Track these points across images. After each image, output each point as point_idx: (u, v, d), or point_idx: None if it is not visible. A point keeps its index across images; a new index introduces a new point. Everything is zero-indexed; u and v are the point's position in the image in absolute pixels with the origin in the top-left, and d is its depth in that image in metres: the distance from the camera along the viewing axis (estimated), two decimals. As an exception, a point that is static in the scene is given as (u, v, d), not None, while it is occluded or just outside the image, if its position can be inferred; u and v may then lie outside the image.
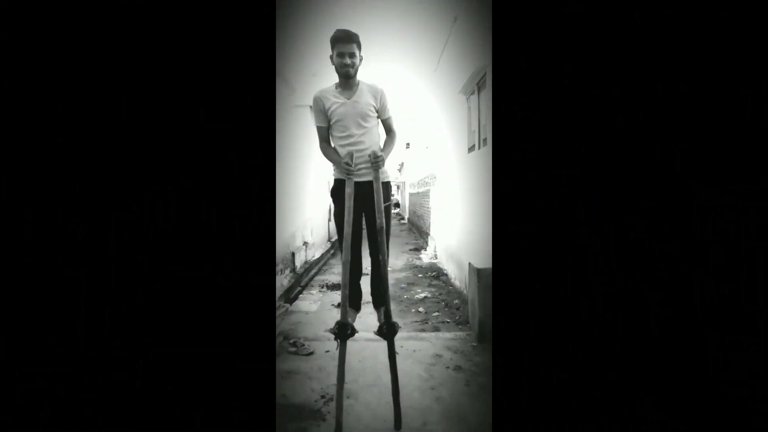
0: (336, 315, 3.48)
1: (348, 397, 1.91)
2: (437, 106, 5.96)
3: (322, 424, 1.75)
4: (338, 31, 1.74)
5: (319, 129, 1.86)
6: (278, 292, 3.78)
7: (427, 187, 7.97)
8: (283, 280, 4.30)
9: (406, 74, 6.32)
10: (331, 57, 1.77)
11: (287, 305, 3.03)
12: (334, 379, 2.13)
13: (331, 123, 1.82)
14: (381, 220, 1.73)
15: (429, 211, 7.55)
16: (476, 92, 3.84)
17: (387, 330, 1.75)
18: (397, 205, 17.73)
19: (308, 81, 5.24)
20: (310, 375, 2.22)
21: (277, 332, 2.65)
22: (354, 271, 1.82)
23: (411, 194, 11.55)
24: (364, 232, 1.92)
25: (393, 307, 2.06)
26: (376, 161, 1.69)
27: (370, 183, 1.75)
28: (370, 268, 1.91)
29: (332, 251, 7.41)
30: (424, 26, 4.77)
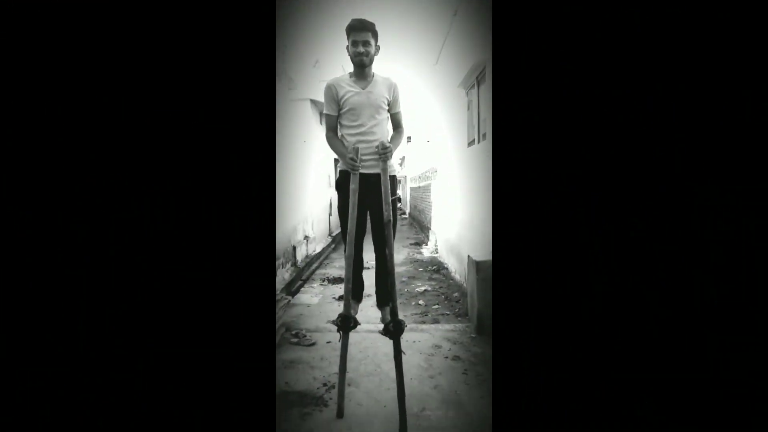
0: (336, 308, 3.53)
1: (349, 385, 1.96)
2: (438, 100, 5.97)
3: (324, 410, 1.80)
4: (353, 20, 1.73)
5: (327, 117, 1.82)
6: (280, 286, 3.83)
7: (428, 182, 7.99)
8: (284, 274, 4.35)
9: (407, 67, 6.33)
10: (347, 47, 1.75)
11: (289, 297, 3.08)
12: (335, 369, 2.19)
13: (341, 112, 1.79)
14: (388, 212, 1.70)
15: (430, 206, 7.58)
16: (476, 86, 3.86)
17: (394, 328, 1.70)
18: (399, 200, 17.75)
19: (308, 75, 5.25)
20: (312, 364, 2.27)
21: (279, 324, 2.71)
22: (356, 265, 1.81)
23: (412, 188, 11.57)
24: (368, 227, 1.92)
25: (393, 298, 2.09)
26: (384, 152, 1.66)
27: (375, 175, 1.73)
28: (372, 262, 1.94)
29: (333, 245, 7.46)
30: (425, 20, 4.78)
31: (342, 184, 1.83)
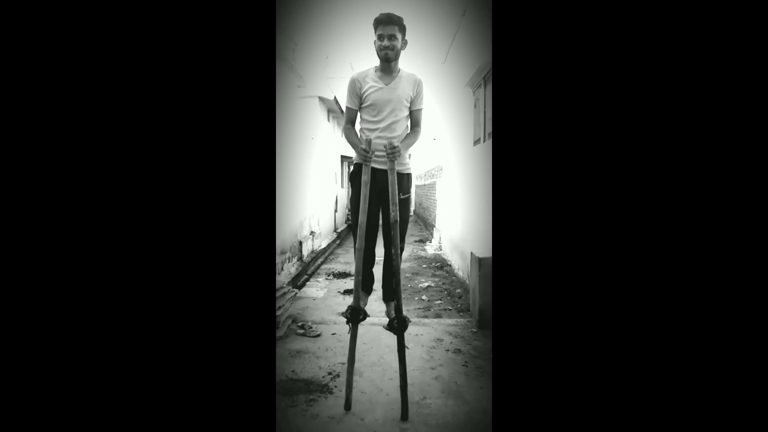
0: (341, 301, 3.61)
1: (353, 374, 2.04)
2: (445, 99, 6.01)
3: (329, 396, 1.88)
4: (381, 13, 1.72)
5: (347, 110, 1.83)
6: (286, 280, 3.92)
7: (434, 179, 8.04)
8: (290, 268, 4.45)
9: (416, 65, 6.39)
10: (375, 42, 1.74)
11: (296, 290, 3.16)
12: (339, 359, 2.27)
13: (363, 106, 1.79)
14: (395, 213, 1.70)
15: (435, 203, 7.63)
16: (482, 86, 3.90)
17: (398, 325, 1.75)
18: (409, 199, 17.64)
19: (317, 73, 5.32)
20: (317, 354, 2.35)
21: (285, 316, 2.79)
22: (367, 259, 1.80)
23: (418, 186, 11.62)
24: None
25: (397, 291, 2.15)
26: (392, 152, 1.64)
27: (386, 171, 1.74)
28: (382, 257, 2.00)
29: (338, 241, 7.55)
30: (434, 18, 4.83)
31: (355, 177, 1.83)
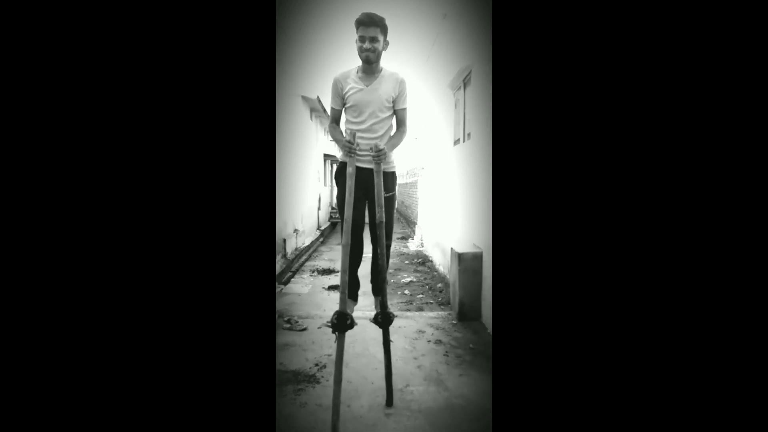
0: (326, 297, 3.69)
1: (339, 365, 2.13)
2: (427, 99, 6.14)
3: (317, 386, 1.97)
4: (362, 14, 1.69)
5: (332, 110, 1.84)
6: (271, 276, 3.97)
7: (416, 178, 8.17)
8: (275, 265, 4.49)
9: (399, 65, 6.49)
10: (356, 40, 1.72)
11: (281, 286, 3.22)
12: (326, 351, 2.36)
13: (345, 106, 1.80)
14: (381, 215, 1.71)
15: (417, 201, 7.76)
16: (462, 88, 4.03)
17: (382, 319, 1.81)
18: (394, 197, 17.71)
19: (300, 72, 5.35)
20: (304, 347, 2.43)
21: (272, 310, 2.85)
22: (353, 259, 1.78)
23: (400, 184, 11.75)
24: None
25: (381, 285, 2.25)
26: (378, 155, 1.65)
27: (372, 170, 1.75)
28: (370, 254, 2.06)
29: (321, 239, 7.59)
30: (416, 20, 4.94)
31: (340, 176, 1.83)
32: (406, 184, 9.98)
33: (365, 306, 2.97)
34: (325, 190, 8.99)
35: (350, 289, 1.83)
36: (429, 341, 2.55)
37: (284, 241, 4.98)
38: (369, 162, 1.76)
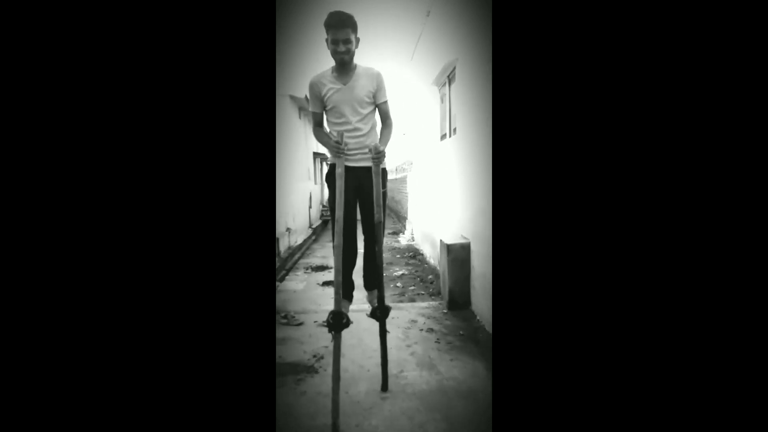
0: (322, 293, 3.78)
1: (336, 355, 2.22)
2: (413, 95, 6.22)
3: (315, 376, 2.07)
4: (330, 15, 1.64)
5: (313, 114, 1.83)
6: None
7: (405, 173, 8.27)
8: (269, 263, 4.56)
9: (384, 61, 6.57)
10: (327, 41, 1.69)
11: (278, 283, 3.30)
12: (322, 343, 2.46)
13: (326, 109, 1.79)
14: (379, 214, 1.72)
15: (407, 196, 7.87)
16: (447, 84, 4.13)
17: (381, 313, 1.86)
18: (385, 194, 17.71)
19: (287, 72, 5.39)
20: (301, 341, 2.52)
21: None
22: (347, 260, 1.78)
23: (390, 180, 11.83)
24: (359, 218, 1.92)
25: (373, 278, 2.34)
26: (377, 157, 1.65)
27: (363, 169, 1.76)
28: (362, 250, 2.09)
29: (314, 237, 7.66)
30: (400, 16, 5.01)
31: (331, 177, 1.84)
32: (396, 179, 10.07)
33: (357, 299, 3.07)
34: (316, 188, 9.04)
35: (344, 290, 1.85)
36: (421, 330, 2.66)
37: (277, 240, 5.05)
38: (358, 161, 1.81)
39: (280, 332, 2.66)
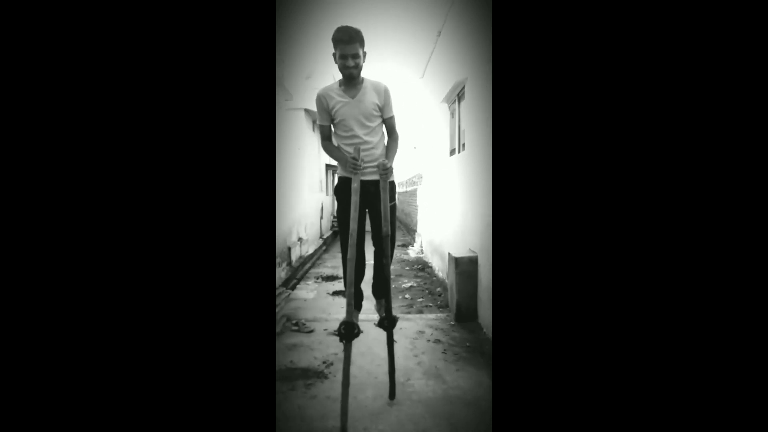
0: (332, 302, 3.87)
1: (345, 362, 2.30)
2: (424, 111, 6.37)
3: (325, 381, 2.14)
4: (339, 31, 1.67)
5: (321, 128, 1.85)
6: (278, 283, 4.15)
7: (415, 186, 8.38)
8: (281, 273, 4.67)
9: (396, 78, 6.75)
10: (334, 55, 1.71)
11: (289, 291, 3.40)
12: (332, 350, 2.54)
13: (334, 122, 1.81)
14: (387, 228, 1.76)
15: (416, 209, 7.95)
16: (457, 102, 4.25)
17: (388, 323, 1.92)
18: (395, 206, 17.83)
19: (302, 86, 5.59)
20: (312, 347, 2.61)
21: (281, 315, 3.03)
22: (357, 272, 1.81)
23: (400, 193, 11.95)
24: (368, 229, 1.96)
25: (382, 288, 2.42)
26: (384, 172, 1.71)
27: (372, 182, 1.80)
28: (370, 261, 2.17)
29: (324, 247, 7.77)
30: (412, 35, 5.19)
31: (340, 191, 1.89)
32: (406, 192, 10.18)
33: (366, 309, 3.14)
34: (327, 199, 9.21)
35: (355, 300, 1.89)
36: (428, 340, 2.72)
37: (289, 249, 5.17)
38: (367, 174, 1.83)
39: (291, 339, 2.75)
